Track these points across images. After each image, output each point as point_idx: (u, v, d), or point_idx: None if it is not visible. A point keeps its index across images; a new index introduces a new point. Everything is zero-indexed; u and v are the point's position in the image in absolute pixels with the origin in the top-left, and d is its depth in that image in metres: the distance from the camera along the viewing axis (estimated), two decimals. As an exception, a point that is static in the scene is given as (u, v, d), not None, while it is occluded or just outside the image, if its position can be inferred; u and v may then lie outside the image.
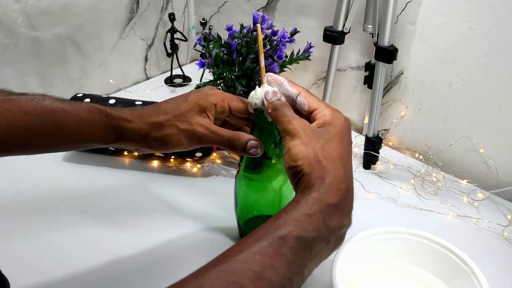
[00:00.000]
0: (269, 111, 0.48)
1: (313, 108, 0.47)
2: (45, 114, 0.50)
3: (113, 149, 0.84)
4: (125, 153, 0.86)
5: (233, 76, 0.84)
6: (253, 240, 0.38)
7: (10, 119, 0.49)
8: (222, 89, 0.86)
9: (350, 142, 0.46)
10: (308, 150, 0.43)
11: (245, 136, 0.53)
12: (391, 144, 0.94)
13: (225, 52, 0.83)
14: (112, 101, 0.82)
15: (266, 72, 0.52)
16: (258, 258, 0.37)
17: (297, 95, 0.48)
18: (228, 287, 0.35)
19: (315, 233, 0.39)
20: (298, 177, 0.43)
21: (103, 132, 0.53)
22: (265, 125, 0.56)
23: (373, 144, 0.84)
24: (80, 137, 0.53)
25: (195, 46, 0.96)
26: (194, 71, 1.13)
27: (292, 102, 0.49)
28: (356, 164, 0.87)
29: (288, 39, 0.83)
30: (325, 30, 0.84)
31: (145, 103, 0.82)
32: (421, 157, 0.89)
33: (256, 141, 0.52)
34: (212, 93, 0.55)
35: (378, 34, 0.78)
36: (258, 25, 0.51)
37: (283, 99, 0.49)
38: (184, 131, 0.53)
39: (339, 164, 0.43)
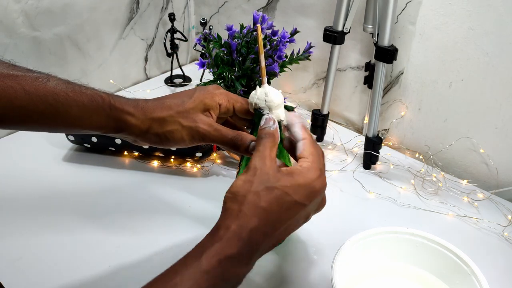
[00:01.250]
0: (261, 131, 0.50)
1: (301, 156, 0.47)
2: (47, 95, 0.49)
3: (113, 149, 0.84)
4: (125, 153, 0.86)
5: (233, 76, 0.84)
6: None
7: (11, 96, 0.48)
8: (222, 89, 0.86)
9: (295, 205, 0.44)
10: (243, 188, 0.44)
11: (248, 136, 0.53)
12: (391, 144, 0.94)
13: (225, 52, 0.83)
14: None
15: (266, 72, 0.52)
16: None
17: (300, 140, 0.49)
18: None
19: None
20: (222, 207, 0.45)
21: (104, 121, 0.52)
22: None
23: (373, 144, 0.84)
24: (79, 123, 0.52)
25: (195, 46, 0.96)
26: (194, 71, 1.13)
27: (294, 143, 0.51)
28: (356, 164, 0.87)
29: (288, 39, 0.83)
30: (325, 30, 0.84)
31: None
32: (421, 157, 0.89)
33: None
34: (218, 92, 0.55)
35: (378, 34, 0.78)
36: (258, 25, 0.51)
37: (276, 125, 0.50)
38: (187, 128, 0.52)
39: (257, 217, 0.42)
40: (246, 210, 0.42)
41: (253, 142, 0.52)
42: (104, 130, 0.53)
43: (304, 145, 0.48)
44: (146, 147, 0.81)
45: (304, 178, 0.45)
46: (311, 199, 0.45)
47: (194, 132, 0.53)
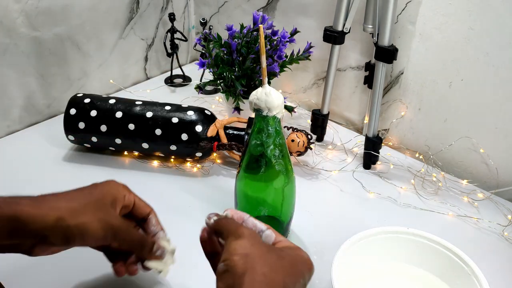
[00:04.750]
0: (212, 224, 0.45)
1: (279, 240, 0.44)
2: None
3: (113, 149, 0.84)
4: (125, 153, 0.86)
5: (233, 76, 0.84)
6: None
7: None
8: (222, 89, 0.86)
9: (303, 275, 0.40)
10: (252, 249, 0.39)
11: (152, 241, 0.52)
12: (391, 144, 0.94)
13: (225, 52, 0.83)
14: (112, 101, 0.82)
15: (267, 72, 0.52)
16: None
17: (266, 229, 0.45)
18: None
19: None
20: (226, 276, 0.38)
21: None
22: (265, 126, 0.56)
23: (373, 144, 0.84)
24: None
25: (195, 46, 0.96)
26: (194, 71, 1.13)
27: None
28: (356, 164, 0.87)
29: (288, 39, 0.83)
30: (325, 30, 0.84)
31: (145, 103, 0.82)
32: (421, 157, 0.89)
33: (163, 248, 0.51)
34: (119, 184, 0.52)
35: (378, 34, 0.78)
36: (261, 25, 0.51)
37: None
38: (102, 221, 0.46)
39: (281, 285, 0.37)
40: (267, 276, 0.37)
41: (158, 248, 0.51)
42: None
43: (274, 232, 0.44)
44: (146, 146, 0.81)
45: (296, 250, 0.42)
46: (306, 271, 0.42)
47: (108, 227, 0.47)
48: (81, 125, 0.81)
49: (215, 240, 0.47)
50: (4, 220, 0.41)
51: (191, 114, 0.80)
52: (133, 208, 0.53)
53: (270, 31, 0.83)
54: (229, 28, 0.83)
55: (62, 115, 0.82)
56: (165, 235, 0.55)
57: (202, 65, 0.84)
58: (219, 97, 1.04)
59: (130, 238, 0.49)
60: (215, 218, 0.45)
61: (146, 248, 0.50)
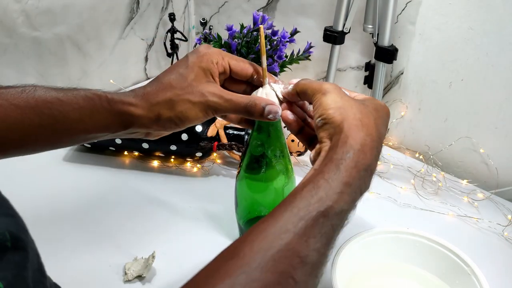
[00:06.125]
0: (293, 88, 0.49)
1: (355, 94, 0.48)
2: (39, 106, 0.45)
3: (113, 149, 0.84)
4: (125, 153, 0.86)
5: (233, 76, 0.84)
6: (295, 217, 0.36)
7: (1, 114, 0.44)
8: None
9: (384, 117, 0.45)
10: (342, 102, 0.43)
11: (261, 100, 0.49)
12: (391, 144, 0.94)
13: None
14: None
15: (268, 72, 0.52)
16: (304, 240, 0.35)
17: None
18: (274, 281, 0.33)
19: (352, 204, 0.39)
20: (326, 127, 0.42)
21: (107, 119, 0.48)
22: (265, 125, 0.56)
23: (373, 144, 0.83)
24: (82, 127, 0.48)
25: (195, 46, 0.96)
26: (194, 71, 1.13)
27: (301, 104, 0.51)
28: (356, 164, 0.86)
29: (288, 39, 0.83)
30: (325, 30, 0.84)
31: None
32: (421, 157, 0.89)
33: (275, 105, 0.49)
34: (210, 52, 0.51)
35: (378, 34, 0.78)
36: (261, 26, 0.51)
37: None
38: (198, 104, 0.48)
39: (374, 126, 0.42)
40: (362, 118, 0.42)
41: (268, 106, 0.48)
42: (110, 129, 0.49)
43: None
44: (146, 146, 0.81)
45: (370, 99, 0.46)
46: (385, 115, 0.46)
47: (205, 107, 0.48)
48: (81, 125, 0.81)
49: (299, 111, 0.52)
50: (116, 116, 0.48)
51: (191, 114, 0.80)
52: (231, 72, 0.51)
53: (270, 31, 0.83)
54: (229, 28, 0.82)
55: (62, 115, 0.82)
56: (280, 85, 0.51)
57: (202, 65, 0.84)
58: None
59: (233, 109, 0.49)
60: (291, 85, 0.49)
61: (255, 114, 0.49)
